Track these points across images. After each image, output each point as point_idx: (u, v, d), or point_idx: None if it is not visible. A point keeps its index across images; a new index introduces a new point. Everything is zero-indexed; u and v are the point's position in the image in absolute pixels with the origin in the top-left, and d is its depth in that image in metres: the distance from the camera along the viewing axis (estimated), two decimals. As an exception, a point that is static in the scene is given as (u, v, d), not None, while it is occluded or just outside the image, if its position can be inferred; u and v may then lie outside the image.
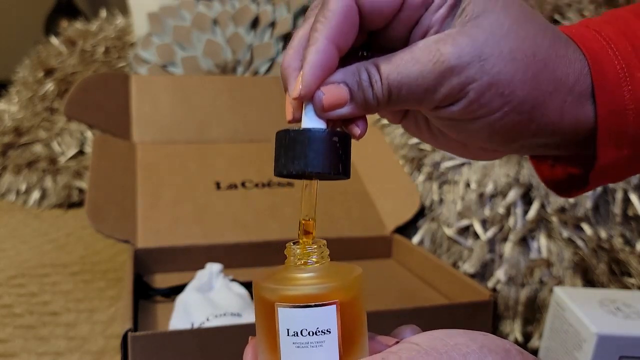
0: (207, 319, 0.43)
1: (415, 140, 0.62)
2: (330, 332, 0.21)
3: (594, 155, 0.24)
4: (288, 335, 0.21)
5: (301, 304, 0.21)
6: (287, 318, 0.21)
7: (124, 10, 1.20)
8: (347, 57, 0.23)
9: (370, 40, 0.24)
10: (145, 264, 0.54)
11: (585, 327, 0.37)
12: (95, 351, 0.51)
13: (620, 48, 0.23)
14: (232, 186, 0.62)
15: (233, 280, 0.49)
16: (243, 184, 0.63)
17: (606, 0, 0.55)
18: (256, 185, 0.63)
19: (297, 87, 0.22)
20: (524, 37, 0.22)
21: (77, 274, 0.69)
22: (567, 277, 0.49)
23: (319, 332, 0.21)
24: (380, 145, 0.66)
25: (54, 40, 1.13)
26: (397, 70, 0.22)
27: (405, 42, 0.23)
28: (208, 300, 0.45)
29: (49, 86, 1.04)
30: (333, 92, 0.22)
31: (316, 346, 0.21)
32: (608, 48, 0.23)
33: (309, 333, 0.21)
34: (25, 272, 0.69)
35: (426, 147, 0.61)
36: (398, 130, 0.64)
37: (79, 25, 1.18)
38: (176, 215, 0.57)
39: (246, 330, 0.37)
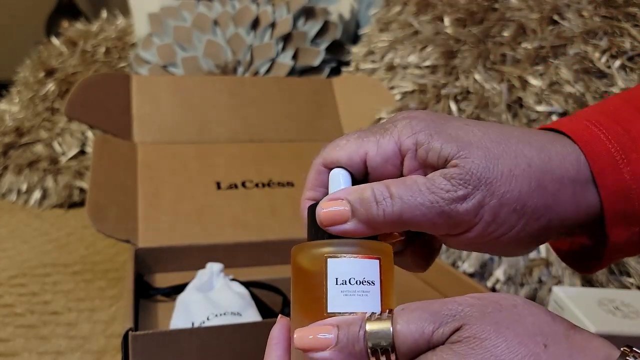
0: (208, 318, 0.43)
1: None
2: (374, 283, 0.22)
3: (606, 234, 0.24)
4: (336, 284, 0.22)
5: (351, 255, 0.22)
6: (337, 267, 0.22)
7: (125, 10, 1.21)
8: None
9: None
10: (146, 263, 0.54)
11: (584, 326, 0.37)
12: (96, 350, 0.52)
13: (612, 132, 0.24)
14: (233, 186, 0.62)
15: (233, 279, 0.49)
16: (243, 184, 0.63)
17: (605, 0, 0.56)
18: (256, 185, 0.63)
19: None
20: (514, 154, 0.23)
21: (78, 274, 0.69)
22: (566, 276, 0.49)
23: (365, 282, 0.22)
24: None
25: (55, 40, 1.14)
26: (409, 193, 0.22)
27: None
28: (208, 299, 0.45)
29: (50, 86, 1.04)
30: (332, 208, 0.23)
31: (362, 295, 0.22)
32: (600, 134, 0.24)
33: (356, 282, 0.22)
34: (26, 271, 0.70)
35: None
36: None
37: (79, 25, 1.18)
38: (177, 215, 0.57)
39: (246, 330, 0.37)
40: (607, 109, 0.25)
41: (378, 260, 0.23)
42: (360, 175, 0.25)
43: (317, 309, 0.22)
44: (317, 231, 0.24)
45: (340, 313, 0.22)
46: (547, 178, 0.23)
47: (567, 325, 0.20)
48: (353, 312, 0.22)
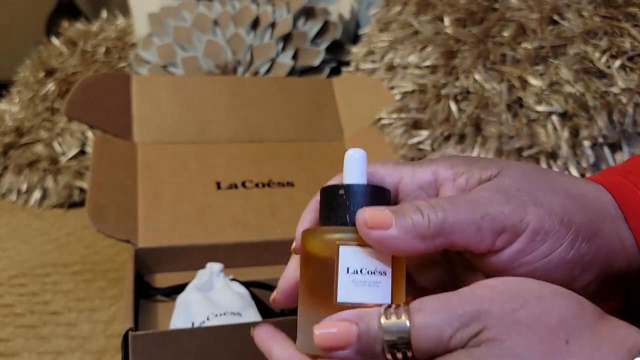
0: (208, 318, 0.43)
1: (415, 140, 0.62)
2: (386, 274, 0.22)
3: None
4: (348, 273, 0.21)
5: (361, 244, 0.21)
6: (349, 256, 0.21)
7: (125, 10, 1.21)
8: None
9: None
10: (146, 263, 0.54)
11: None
12: (96, 350, 0.52)
13: None
14: (233, 186, 0.62)
15: (233, 279, 0.49)
16: (243, 184, 0.63)
17: (605, 1, 0.56)
18: (256, 185, 0.63)
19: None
20: (552, 180, 0.22)
21: (78, 274, 0.69)
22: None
23: (377, 272, 0.21)
24: (380, 145, 0.66)
25: (55, 40, 1.14)
26: (451, 202, 0.21)
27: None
28: (208, 299, 0.45)
29: (50, 86, 1.04)
30: (375, 212, 0.21)
31: (373, 286, 0.21)
32: (634, 186, 0.23)
33: (368, 272, 0.21)
34: (26, 271, 0.70)
35: (426, 147, 0.61)
36: (397, 130, 0.64)
37: (79, 25, 1.18)
38: (177, 215, 0.57)
39: (246, 330, 0.37)
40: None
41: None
42: (392, 202, 0.24)
43: (327, 297, 0.22)
44: (330, 216, 0.23)
45: (350, 303, 0.21)
46: (588, 204, 0.22)
47: (596, 315, 0.19)
48: (363, 303, 0.21)
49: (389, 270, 0.22)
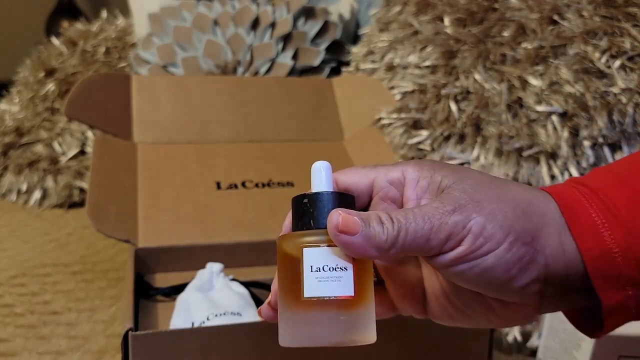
0: (208, 318, 0.43)
1: (414, 140, 0.62)
2: (347, 269, 0.24)
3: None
4: (312, 271, 0.24)
5: (324, 244, 0.25)
6: (312, 256, 0.25)
7: (125, 11, 1.21)
8: None
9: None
10: (145, 263, 0.54)
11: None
12: (96, 350, 0.52)
13: (595, 200, 0.25)
14: (233, 186, 0.62)
15: (233, 279, 0.49)
16: (243, 184, 0.63)
17: (605, 1, 0.56)
18: (256, 185, 0.63)
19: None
20: (504, 188, 0.26)
21: (77, 274, 0.69)
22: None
23: (338, 268, 0.24)
24: (379, 145, 0.66)
25: (55, 40, 1.14)
26: (405, 215, 0.24)
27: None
28: (208, 299, 0.45)
29: (50, 86, 1.04)
30: (347, 216, 0.24)
31: (335, 280, 0.24)
32: (582, 197, 0.25)
33: (329, 269, 0.24)
34: (26, 271, 0.70)
35: (426, 147, 0.61)
36: (397, 130, 0.64)
37: (79, 25, 1.18)
38: (177, 215, 0.57)
39: (246, 329, 0.38)
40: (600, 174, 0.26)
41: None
42: (366, 198, 0.28)
43: (296, 294, 0.24)
44: (297, 222, 0.26)
45: (315, 297, 0.24)
46: (532, 210, 0.25)
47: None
48: (327, 297, 0.24)
49: (349, 265, 0.25)
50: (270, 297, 0.28)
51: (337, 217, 0.24)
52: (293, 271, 0.25)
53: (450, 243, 0.24)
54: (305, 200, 0.25)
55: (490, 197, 0.25)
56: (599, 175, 0.26)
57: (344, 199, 0.26)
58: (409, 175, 0.27)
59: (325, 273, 0.24)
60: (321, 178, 0.26)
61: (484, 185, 0.25)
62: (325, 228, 0.25)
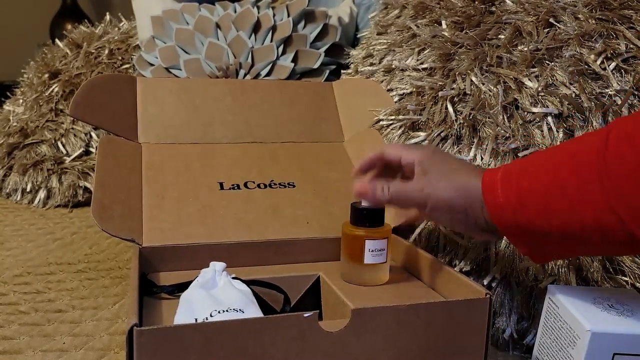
0: (211, 315, 0.44)
1: (412, 140, 0.63)
2: (384, 250, 0.51)
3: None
4: (369, 251, 0.50)
5: (374, 239, 0.51)
6: (369, 244, 0.50)
7: (128, 13, 1.22)
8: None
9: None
10: (149, 262, 0.55)
11: (579, 324, 0.38)
12: (99, 348, 0.52)
13: (505, 172, 0.42)
14: (235, 186, 0.63)
15: (235, 278, 0.50)
16: (245, 184, 0.64)
17: (600, 3, 0.56)
18: (258, 185, 0.64)
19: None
20: (452, 176, 0.44)
21: (81, 272, 0.70)
22: (561, 275, 0.50)
23: (380, 249, 0.51)
24: (379, 145, 0.67)
25: (59, 42, 1.15)
26: (397, 189, 0.47)
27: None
28: (212, 296, 0.46)
29: (54, 87, 1.05)
30: (361, 186, 0.49)
31: (379, 255, 0.51)
32: (495, 183, 0.41)
33: (376, 250, 0.51)
34: (31, 270, 0.71)
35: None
36: (396, 131, 0.65)
37: (83, 28, 1.19)
38: (180, 215, 0.58)
39: (248, 325, 0.38)
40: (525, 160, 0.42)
41: (387, 239, 0.51)
42: (396, 164, 0.49)
43: (359, 258, 0.51)
44: (357, 220, 0.51)
45: (369, 263, 0.51)
46: (463, 190, 0.43)
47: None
48: (377, 263, 0.51)
49: (386, 247, 0.51)
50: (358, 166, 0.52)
51: (359, 187, 0.48)
52: (355, 248, 0.51)
53: (417, 207, 0.46)
54: (364, 211, 0.51)
55: (445, 185, 0.43)
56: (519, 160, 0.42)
57: (379, 210, 0.51)
58: (412, 159, 0.47)
59: (374, 252, 0.51)
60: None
61: (443, 174, 0.44)
62: (374, 227, 0.51)
